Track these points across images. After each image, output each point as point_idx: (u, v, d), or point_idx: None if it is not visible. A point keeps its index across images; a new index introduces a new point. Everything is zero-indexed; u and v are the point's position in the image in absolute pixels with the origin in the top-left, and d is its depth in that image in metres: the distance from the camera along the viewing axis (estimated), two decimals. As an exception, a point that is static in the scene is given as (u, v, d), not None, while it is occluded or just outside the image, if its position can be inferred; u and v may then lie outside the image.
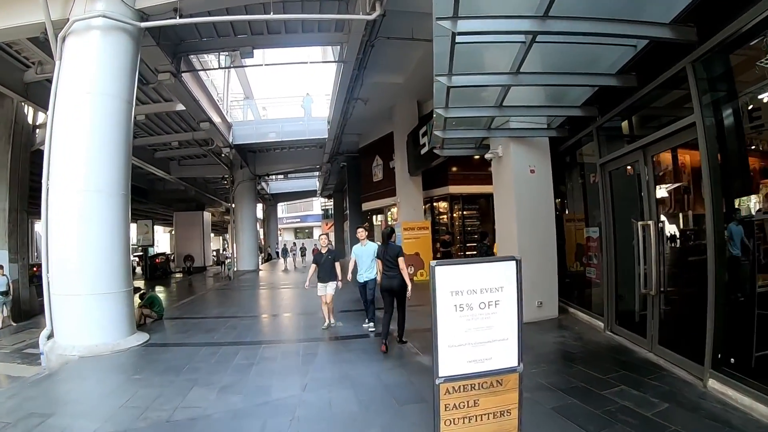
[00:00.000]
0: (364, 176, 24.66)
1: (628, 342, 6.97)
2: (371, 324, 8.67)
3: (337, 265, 9.06)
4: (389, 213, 22.47)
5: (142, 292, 11.85)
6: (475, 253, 18.14)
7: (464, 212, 18.53)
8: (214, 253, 42.58)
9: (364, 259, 8.51)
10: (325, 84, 17.73)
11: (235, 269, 27.44)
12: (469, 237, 18.40)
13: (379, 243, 7.73)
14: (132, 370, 7.03)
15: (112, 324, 8.50)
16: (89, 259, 8.44)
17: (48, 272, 8.42)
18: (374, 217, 25.22)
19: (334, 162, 27.06)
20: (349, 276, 8.82)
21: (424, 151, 15.98)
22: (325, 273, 8.96)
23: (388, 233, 7.45)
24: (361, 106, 17.34)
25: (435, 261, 3.65)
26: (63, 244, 8.44)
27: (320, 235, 10.25)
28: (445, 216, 19.15)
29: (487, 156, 9.55)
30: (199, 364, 7.13)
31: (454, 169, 18.25)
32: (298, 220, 61.66)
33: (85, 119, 8.67)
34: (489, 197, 18.38)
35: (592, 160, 8.20)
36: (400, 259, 6.98)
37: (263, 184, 39.09)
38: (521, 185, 9.07)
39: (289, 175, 40.42)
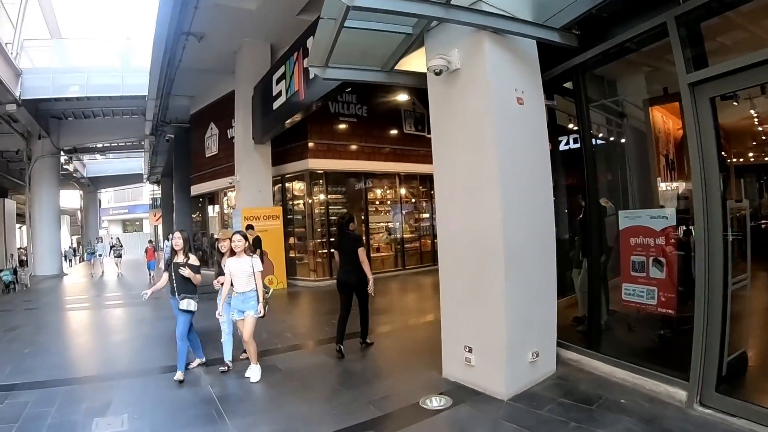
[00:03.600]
0: (195, 152, 19.08)
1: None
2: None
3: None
4: (225, 198, 17.01)
5: None
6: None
7: (328, 196, 13.78)
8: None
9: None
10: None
11: (32, 274, 20.45)
12: (333, 230, 13.69)
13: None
14: None
15: None
16: None
17: None
18: (208, 205, 19.45)
19: (160, 135, 21.07)
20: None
21: (279, 103, 11.06)
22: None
23: (347, 221, 6.65)
24: (194, 47, 12.41)
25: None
26: None
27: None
28: (300, 201, 14.26)
29: (434, 65, 4.76)
30: None
31: (316, 136, 13.48)
32: (126, 210, 52.12)
33: None
34: (363, 176, 14.65)
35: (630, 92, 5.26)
36: (360, 251, 6.27)
37: (76, 164, 30.81)
38: (506, 126, 4.63)
39: (108, 154, 32.37)
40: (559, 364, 5.10)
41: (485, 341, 4.73)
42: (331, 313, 8.89)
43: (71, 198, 39.49)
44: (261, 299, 5.42)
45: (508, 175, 4.54)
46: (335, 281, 6.73)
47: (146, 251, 16.42)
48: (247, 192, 13.36)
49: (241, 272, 5.40)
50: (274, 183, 14.38)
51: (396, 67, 5.87)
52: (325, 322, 8.25)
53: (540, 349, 4.81)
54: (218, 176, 16.44)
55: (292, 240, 14.16)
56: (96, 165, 37.34)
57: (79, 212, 41.86)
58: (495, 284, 4.57)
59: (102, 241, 23.54)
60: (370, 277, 6.26)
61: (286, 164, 14.06)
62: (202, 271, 5.81)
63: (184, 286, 5.62)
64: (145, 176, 33.15)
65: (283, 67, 10.83)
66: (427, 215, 16.12)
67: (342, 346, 6.19)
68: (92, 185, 39.24)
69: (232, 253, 5.47)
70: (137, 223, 52.68)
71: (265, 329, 7.76)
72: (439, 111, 5.29)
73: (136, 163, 33.13)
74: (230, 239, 5.59)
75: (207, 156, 17.87)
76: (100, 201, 48.82)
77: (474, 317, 4.86)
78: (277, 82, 11.12)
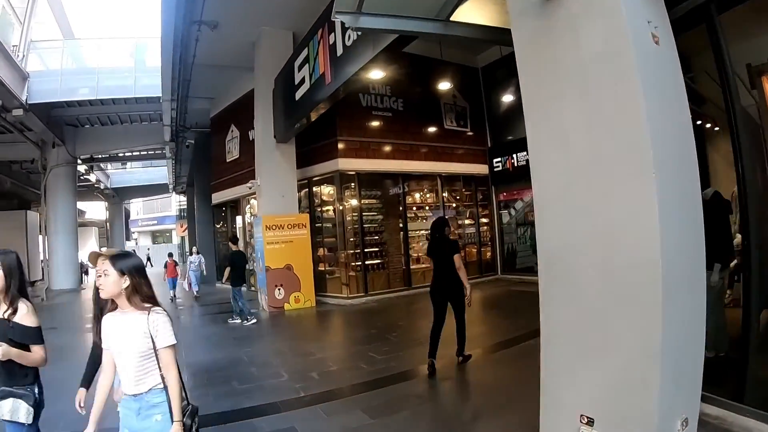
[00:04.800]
0: (215, 157, 17.77)
1: None
2: None
3: None
4: (248, 207, 15.51)
5: None
6: (379, 261, 11.97)
7: (362, 201, 12.11)
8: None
9: None
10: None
11: (48, 287, 19.34)
12: (368, 239, 12.02)
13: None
14: None
15: None
16: None
17: None
18: (230, 214, 17.96)
19: (180, 141, 19.66)
20: None
21: (302, 91, 9.51)
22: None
23: (442, 224, 6.19)
24: (208, 39, 10.88)
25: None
26: None
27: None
28: (330, 207, 12.61)
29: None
30: None
31: (347, 133, 11.89)
32: (155, 222, 51.41)
33: None
34: (400, 178, 12.72)
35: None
36: (456, 257, 5.77)
37: (99, 174, 29.88)
38: (647, 75, 2.81)
39: (130, 163, 31.46)
40: (699, 426, 3.27)
41: (618, 409, 2.94)
42: (370, 342, 7.24)
43: (97, 209, 38.90)
44: (176, 409, 2.39)
45: (659, 150, 2.75)
46: (428, 290, 6.16)
47: (166, 266, 15.20)
48: (269, 197, 11.78)
49: (125, 347, 2.39)
50: (300, 187, 12.82)
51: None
52: (363, 356, 6.58)
53: (688, 413, 3.02)
54: (240, 182, 14.90)
55: (321, 251, 12.56)
56: (120, 176, 36.71)
57: (107, 224, 41.23)
58: (644, 321, 2.77)
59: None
60: (467, 285, 5.84)
61: (314, 166, 12.48)
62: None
63: (6, 374, 2.77)
64: (170, 186, 32.07)
65: (305, 50, 9.23)
66: (471, 221, 14.29)
67: (434, 360, 5.73)
68: (117, 196, 38.57)
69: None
70: (167, 234, 51.97)
71: (285, 365, 6.14)
72: (533, 58, 3.40)
73: (161, 172, 32.12)
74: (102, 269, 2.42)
75: (228, 161, 16.48)
76: (128, 212, 48.45)
77: (600, 373, 3.05)
78: (300, 67, 9.54)
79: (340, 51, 7.50)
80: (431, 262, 6.18)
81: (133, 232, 52.61)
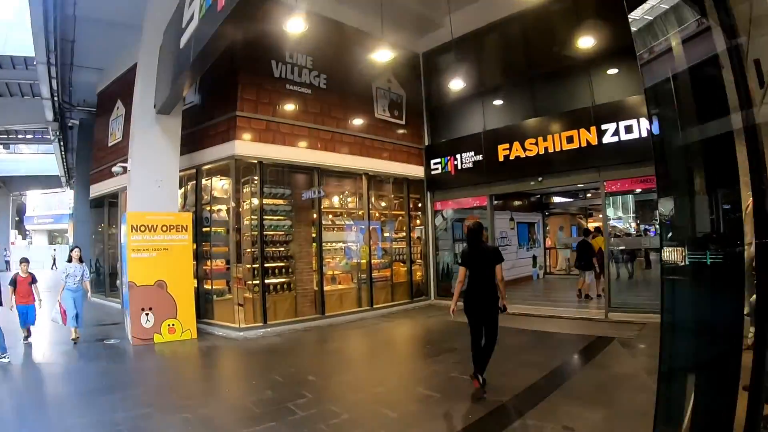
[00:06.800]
0: (98, 141, 14.71)
1: None
2: None
3: None
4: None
5: None
6: (285, 280, 9.33)
7: (264, 200, 9.37)
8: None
9: None
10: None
11: None
12: (271, 250, 9.33)
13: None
14: None
15: None
16: None
17: None
18: (109, 212, 14.53)
19: (67, 122, 16.47)
20: None
21: (189, 33, 6.95)
22: None
23: (479, 229, 5.47)
24: None
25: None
26: None
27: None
28: (222, 206, 9.81)
29: None
30: None
31: (250, 108, 9.12)
32: (52, 220, 45.37)
33: None
34: (317, 173, 9.81)
35: None
36: (499, 267, 5.21)
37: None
38: None
39: (14, 147, 27.03)
40: None
41: None
42: (260, 420, 4.51)
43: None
44: None
45: None
46: (463, 303, 5.39)
47: (13, 283, 8.01)
48: (141, 187, 8.73)
49: None
50: (187, 179, 9.98)
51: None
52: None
53: None
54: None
55: (208, 264, 9.70)
56: (5, 163, 31.80)
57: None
58: None
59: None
60: (504, 298, 5.29)
61: (205, 150, 9.59)
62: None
63: None
64: (63, 178, 27.55)
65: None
66: (402, 234, 11.89)
67: (483, 377, 5.13)
68: (4, 186, 33.47)
69: None
70: (67, 234, 46.06)
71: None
72: None
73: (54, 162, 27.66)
74: None
75: (110, 145, 13.25)
76: (22, 206, 42.88)
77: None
78: (191, 2, 6.80)
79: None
80: (467, 272, 5.40)
81: (29, 231, 46.72)
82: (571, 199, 16.68)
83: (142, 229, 8.29)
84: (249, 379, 6.19)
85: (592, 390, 4.99)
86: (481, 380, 5.10)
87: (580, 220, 19.23)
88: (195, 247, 9.42)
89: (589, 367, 6.05)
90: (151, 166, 8.81)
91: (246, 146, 8.94)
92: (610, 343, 6.93)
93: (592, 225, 15.07)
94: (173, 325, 8.30)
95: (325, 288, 9.87)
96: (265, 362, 6.96)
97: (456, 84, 10.82)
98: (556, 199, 16.67)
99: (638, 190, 9.83)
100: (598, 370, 5.80)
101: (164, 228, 8.47)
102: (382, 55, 9.54)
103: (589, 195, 15.61)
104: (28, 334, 8.24)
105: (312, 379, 5.80)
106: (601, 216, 12.13)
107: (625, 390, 4.95)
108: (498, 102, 11.48)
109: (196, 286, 9.32)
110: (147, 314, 8.13)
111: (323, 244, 9.96)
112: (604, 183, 9.12)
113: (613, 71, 9.36)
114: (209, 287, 9.53)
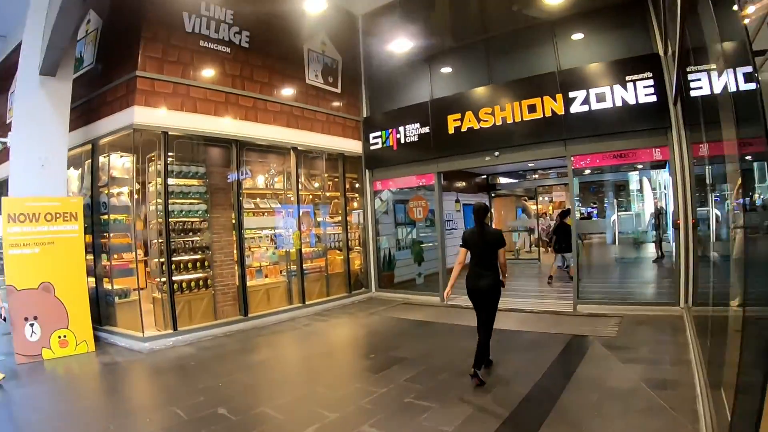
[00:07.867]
0: None
1: None
2: None
3: None
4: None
5: None
6: (201, 276, 8.03)
7: (171, 179, 7.88)
8: None
9: None
10: None
11: None
12: (181, 240, 7.99)
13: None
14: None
15: None
16: None
17: None
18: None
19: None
20: None
21: None
22: None
23: (484, 210, 5.36)
24: None
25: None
26: None
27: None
28: (123, 188, 8.33)
29: None
30: None
31: (154, 66, 7.58)
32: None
33: None
34: (236, 146, 8.34)
35: None
36: (502, 251, 5.23)
37: None
38: None
39: None
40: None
41: None
42: None
43: None
44: None
45: None
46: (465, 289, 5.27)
47: None
48: (22, 165, 7.11)
49: None
50: (84, 157, 8.46)
51: None
52: None
53: None
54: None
55: (105, 260, 8.23)
56: None
57: None
58: None
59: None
60: (506, 277, 5.33)
61: (100, 120, 7.99)
62: None
63: None
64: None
65: None
66: (338, 219, 10.76)
67: (481, 370, 5.07)
68: None
69: None
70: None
71: None
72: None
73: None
74: None
75: (8, 122, 11.41)
76: None
77: None
78: None
79: None
80: (467, 254, 5.34)
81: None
82: (517, 180, 15.99)
83: (22, 218, 6.81)
84: (145, 414, 4.78)
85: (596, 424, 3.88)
86: (479, 379, 4.92)
87: (525, 202, 18.76)
88: (91, 239, 7.98)
89: (576, 383, 4.81)
90: (33, 141, 7.19)
91: (148, 113, 7.39)
92: (591, 344, 6.04)
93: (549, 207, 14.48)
94: (65, 336, 6.90)
95: (249, 283, 8.60)
96: (168, 386, 5.66)
97: (400, 46, 9.61)
98: (502, 180, 15.91)
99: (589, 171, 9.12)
100: (590, 387, 4.66)
101: (48, 217, 7.00)
102: (315, 4, 8.33)
103: (536, 176, 14.98)
104: None
105: (223, 413, 4.53)
106: (563, 196, 11.35)
107: (635, 415, 3.94)
108: (447, 69, 10.45)
109: (94, 286, 7.90)
110: (32, 325, 6.68)
111: (245, 231, 8.65)
112: (572, 158, 8.25)
113: (579, 35, 8.53)
114: (110, 287, 8.06)
